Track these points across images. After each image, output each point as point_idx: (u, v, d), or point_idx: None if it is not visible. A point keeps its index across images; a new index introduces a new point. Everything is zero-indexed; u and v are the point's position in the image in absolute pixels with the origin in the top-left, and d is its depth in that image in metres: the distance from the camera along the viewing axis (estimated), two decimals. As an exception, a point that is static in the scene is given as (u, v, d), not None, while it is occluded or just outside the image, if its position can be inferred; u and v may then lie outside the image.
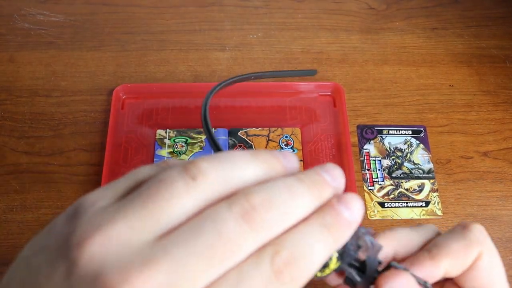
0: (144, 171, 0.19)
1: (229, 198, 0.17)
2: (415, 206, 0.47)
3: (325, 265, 0.20)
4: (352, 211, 0.19)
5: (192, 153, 0.48)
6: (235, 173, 0.18)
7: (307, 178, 0.19)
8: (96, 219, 0.17)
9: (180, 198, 0.17)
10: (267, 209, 0.17)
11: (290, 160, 0.20)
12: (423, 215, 0.46)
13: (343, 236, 0.18)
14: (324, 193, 0.19)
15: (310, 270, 0.17)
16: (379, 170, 0.49)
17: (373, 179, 0.48)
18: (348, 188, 0.46)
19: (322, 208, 0.18)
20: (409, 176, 0.49)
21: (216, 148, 0.23)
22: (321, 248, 0.17)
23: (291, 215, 0.17)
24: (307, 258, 0.17)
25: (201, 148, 0.49)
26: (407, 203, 0.47)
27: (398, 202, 0.47)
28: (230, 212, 0.16)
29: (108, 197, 0.18)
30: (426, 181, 0.48)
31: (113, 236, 0.16)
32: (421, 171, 0.49)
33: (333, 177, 0.19)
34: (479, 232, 0.22)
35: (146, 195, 0.17)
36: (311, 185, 0.18)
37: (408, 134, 0.51)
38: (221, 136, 0.49)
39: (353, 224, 0.19)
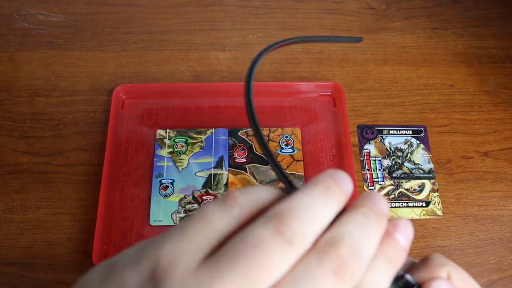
0: (220, 220, 0.18)
1: (318, 250, 0.17)
2: (415, 206, 0.47)
3: None
4: (407, 237, 0.20)
5: (192, 153, 0.48)
6: (320, 224, 0.18)
7: (371, 212, 0.19)
8: None
9: (278, 264, 0.16)
10: (355, 260, 0.17)
11: (348, 184, 0.20)
12: (424, 215, 0.46)
13: (401, 263, 0.19)
14: (385, 222, 0.20)
15: None
16: (379, 170, 0.49)
17: (373, 179, 0.48)
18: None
19: (383, 241, 0.19)
20: (409, 176, 0.49)
21: (287, 182, 0.21)
22: (386, 282, 0.19)
23: (369, 257, 0.18)
24: None
25: (201, 148, 0.49)
26: (407, 203, 0.47)
27: (399, 202, 0.47)
28: (322, 269, 0.17)
29: (189, 254, 0.17)
30: (426, 181, 0.48)
31: None
32: (421, 171, 0.49)
33: (384, 205, 0.20)
34: (440, 257, 0.22)
35: (243, 262, 0.16)
36: (376, 219, 0.19)
37: (409, 134, 0.51)
38: (221, 136, 0.49)
39: (407, 250, 0.20)
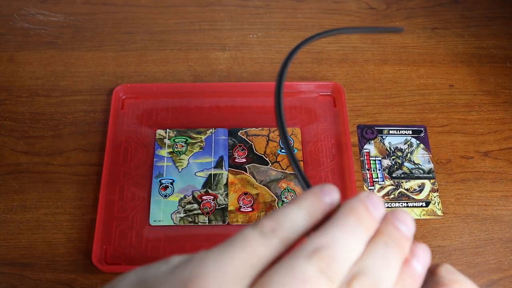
0: (262, 248, 0.18)
1: (346, 285, 0.18)
2: (415, 206, 0.47)
3: None
4: (424, 265, 0.20)
5: (192, 153, 0.48)
6: (354, 257, 0.19)
7: (391, 241, 0.20)
8: None
9: None
10: None
11: (380, 209, 0.21)
12: (423, 215, 0.46)
13: None
14: (405, 250, 0.20)
15: None
16: (379, 170, 0.49)
17: (373, 179, 0.48)
18: (348, 189, 0.46)
19: (402, 268, 0.20)
20: (409, 176, 0.48)
21: (304, 182, 0.23)
22: None
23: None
24: None
25: (201, 148, 0.49)
26: (407, 203, 0.47)
27: (398, 202, 0.47)
28: None
29: (234, 282, 0.17)
30: (426, 181, 0.48)
31: None
32: (421, 171, 0.49)
33: (407, 226, 0.21)
34: (446, 272, 0.22)
35: None
36: (397, 249, 0.20)
37: (408, 134, 0.51)
38: (221, 136, 0.49)
39: (423, 276, 0.20)
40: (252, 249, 0.18)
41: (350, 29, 0.34)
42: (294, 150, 0.21)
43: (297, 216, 0.20)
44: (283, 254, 0.19)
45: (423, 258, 0.21)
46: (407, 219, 0.21)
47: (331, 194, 0.21)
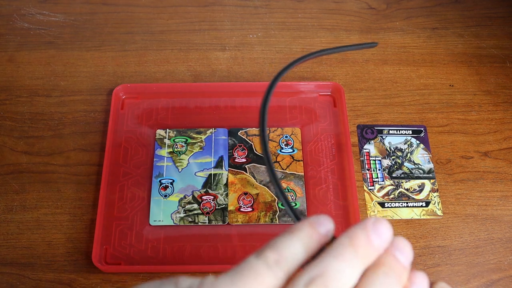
0: (269, 279, 0.19)
1: None
2: (415, 206, 0.47)
3: None
4: None
5: (192, 153, 0.48)
6: (350, 284, 0.19)
7: (391, 271, 0.20)
8: None
9: None
10: None
11: (382, 239, 0.21)
12: (423, 215, 0.46)
13: None
14: (404, 279, 0.21)
15: None
16: (379, 170, 0.49)
17: (373, 179, 0.48)
18: (348, 189, 0.46)
19: None
20: (409, 176, 0.48)
21: (295, 217, 0.23)
22: None
23: None
24: None
25: (201, 148, 0.49)
26: (407, 203, 0.47)
27: (398, 202, 0.47)
28: None
29: None
30: (426, 181, 0.48)
31: None
32: (421, 171, 0.49)
33: (406, 256, 0.21)
34: None
35: None
36: (397, 278, 0.20)
37: (408, 134, 0.51)
38: (221, 136, 0.49)
39: None
40: (261, 279, 0.19)
41: (325, 51, 0.35)
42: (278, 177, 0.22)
43: (296, 247, 0.20)
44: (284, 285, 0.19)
45: (422, 286, 0.21)
46: (406, 249, 0.21)
47: (326, 225, 0.21)
